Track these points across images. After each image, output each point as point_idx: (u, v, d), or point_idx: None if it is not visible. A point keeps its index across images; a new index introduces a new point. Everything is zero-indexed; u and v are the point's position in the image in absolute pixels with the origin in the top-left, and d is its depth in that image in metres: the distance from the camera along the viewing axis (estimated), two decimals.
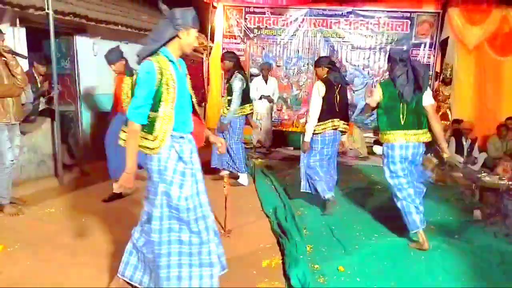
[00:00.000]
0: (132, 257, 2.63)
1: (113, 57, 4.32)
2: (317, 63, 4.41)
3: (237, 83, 4.93)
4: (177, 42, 2.40)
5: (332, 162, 4.49)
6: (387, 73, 3.95)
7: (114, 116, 4.48)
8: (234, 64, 5.03)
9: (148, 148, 2.38)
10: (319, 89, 4.21)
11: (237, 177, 5.35)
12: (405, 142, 3.55)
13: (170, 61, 2.39)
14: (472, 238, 3.81)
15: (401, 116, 3.58)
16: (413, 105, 3.56)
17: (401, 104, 3.56)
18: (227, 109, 5.03)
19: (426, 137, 3.60)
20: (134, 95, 2.35)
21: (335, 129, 4.31)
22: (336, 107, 4.27)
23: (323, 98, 4.21)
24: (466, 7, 7.73)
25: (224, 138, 4.84)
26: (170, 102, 2.37)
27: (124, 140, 2.47)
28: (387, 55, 4.07)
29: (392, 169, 3.63)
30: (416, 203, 3.60)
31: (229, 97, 5.01)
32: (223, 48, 8.91)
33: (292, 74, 8.75)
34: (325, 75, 4.30)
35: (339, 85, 4.32)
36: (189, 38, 2.41)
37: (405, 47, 8.18)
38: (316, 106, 4.22)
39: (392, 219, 4.31)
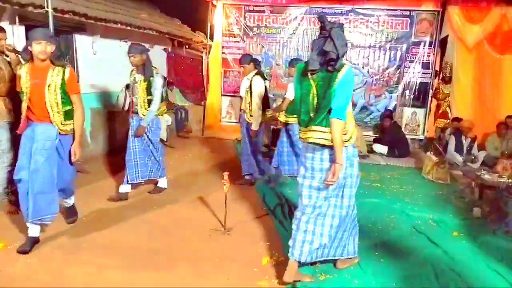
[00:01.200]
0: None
1: (44, 34, 3.16)
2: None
3: (159, 81, 4.41)
4: None
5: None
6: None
7: (27, 124, 3.29)
8: (145, 58, 4.33)
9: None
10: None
11: (156, 183, 4.87)
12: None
13: None
14: (472, 236, 3.83)
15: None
16: None
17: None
18: (147, 110, 4.40)
19: None
20: (343, 97, 2.61)
21: None
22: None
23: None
24: (465, 6, 7.74)
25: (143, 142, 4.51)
26: None
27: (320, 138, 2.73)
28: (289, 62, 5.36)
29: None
30: None
31: (149, 97, 4.37)
32: (223, 47, 8.92)
33: None
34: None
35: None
36: None
37: (404, 45, 8.21)
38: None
39: (394, 216, 4.32)
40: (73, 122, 3.36)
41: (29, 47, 3.14)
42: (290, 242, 2.90)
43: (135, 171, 4.49)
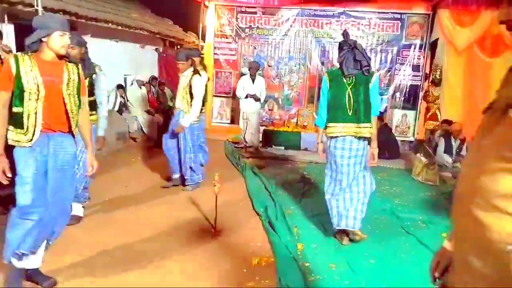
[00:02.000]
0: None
1: (66, 25, 2.58)
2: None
3: (104, 80, 3.83)
4: None
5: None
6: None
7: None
8: (83, 52, 3.67)
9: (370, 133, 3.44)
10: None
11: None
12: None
13: None
14: None
15: None
16: None
17: None
18: (93, 114, 3.68)
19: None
20: (377, 99, 3.50)
21: None
22: None
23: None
24: (455, 9, 7.82)
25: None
26: None
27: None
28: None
29: None
30: None
31: (90, 98, 3.42)
32: (215, 48, 8.91)
33: (284, 74, 8.78)
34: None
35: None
36: None
37: (395, 48, 8.27)
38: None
39: (384, 217, 4.35)
40: (80, 128, 2.76)
41: (43, 39, 2.51)
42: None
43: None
